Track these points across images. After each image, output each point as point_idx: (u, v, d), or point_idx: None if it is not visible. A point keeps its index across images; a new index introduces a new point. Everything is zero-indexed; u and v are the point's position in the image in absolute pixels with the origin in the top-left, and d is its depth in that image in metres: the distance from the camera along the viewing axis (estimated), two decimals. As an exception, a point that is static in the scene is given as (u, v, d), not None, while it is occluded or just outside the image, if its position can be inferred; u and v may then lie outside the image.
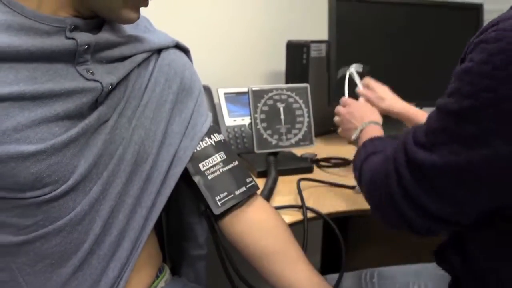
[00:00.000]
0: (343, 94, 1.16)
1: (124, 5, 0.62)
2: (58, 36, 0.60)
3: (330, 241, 1.76)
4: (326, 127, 1.57)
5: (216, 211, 0.73)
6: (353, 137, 1.00)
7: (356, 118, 1.04)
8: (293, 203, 1.00)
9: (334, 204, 1.01)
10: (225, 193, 0.74)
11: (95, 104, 0.64)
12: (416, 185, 0.61)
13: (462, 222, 0.62)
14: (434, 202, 0.61)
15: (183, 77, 0.75)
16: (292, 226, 0.91)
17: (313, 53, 1.47)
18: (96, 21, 0.66)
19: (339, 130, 1.10)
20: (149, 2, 0.66)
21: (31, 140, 0.58)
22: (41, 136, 0.58)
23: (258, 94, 1.13)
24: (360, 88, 1.16)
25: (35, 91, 0.58)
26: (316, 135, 1.23)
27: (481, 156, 0.54)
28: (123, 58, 0.67)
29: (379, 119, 1.03)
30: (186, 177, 0.74)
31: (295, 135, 1.16)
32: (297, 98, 1.16)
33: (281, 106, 1.15)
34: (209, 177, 0.74)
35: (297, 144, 1.16)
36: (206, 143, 0.76)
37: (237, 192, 0.75)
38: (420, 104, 1.35)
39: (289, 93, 1.16)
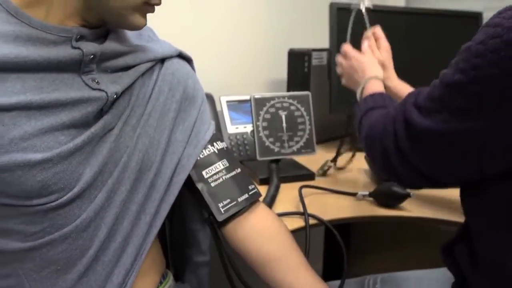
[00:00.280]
0: (345, 39, 1.16)
1: (132, 11, 0.64)
2: (64, 45, 0.61)
3: (332, 247, 1.76)
4: (328, 134, 1.58)
5: (219, 218, 0.74)
6: (358, 94, 1.02)
7: (358, 72, 1.05)
8: (295, 210, 1.01)
9: (336, 211, 1.01)
10: (228, 200, 0.75)
11: (100, 113, 0.65)
12: (409, 143, 0.67)
13: (449, 183, 0.69)
14: (424, 162, 0.67)
15: (186, 86, 0.76)
16: (294, 232, 0.91)
17: (314, 61, 1.49)
18: (101, 31, 0.67)
19: (343, 81, 1.12)
20: (155, 8, 0.67)
21: (38, 148, 0.59)
22: (47, 145, 0.59)
23: (260, 102, 1.14)
24: (369, 32, 1.15)
25: (42, 101, 0.59)
26: (318, 143, 1.24)
27: (467, 127, 0.59)
28: (127, 68, 0.69)
29: (380, 73, 1.05)
30: (189, 184, 0.75)
31: (297, 142, 1.17)
32: (298, 106, 1.17)
33: (283, 114, 1.16)
34: (212, 184, 0.75)
35: (299, 151, 1.17)
36: (209, 151, 0.77)
37: (240, 199, 0.76)
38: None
39: (290, 101, 1.17)
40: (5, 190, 0.59)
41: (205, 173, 0.76)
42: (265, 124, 1.14)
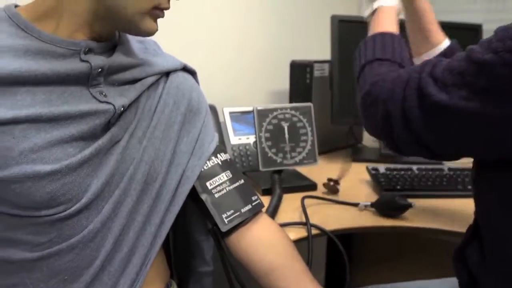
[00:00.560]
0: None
1: (143, 17, 0.65)
2: (73, 58, 0.63)
3: (334, 257, 1.76)
4: (330, 145, 1.59)
5: (223, 228, 0.75)
6: (366, 15, 0.97)
7: None
8: (297, 220, 1.01)
9: (338, 221, 1.02)
10: (232, 211, 0.76)
11: (108, 125, 0.66)
12: (419, 113, 0.65)
13: (448, 157, 0.68)
14: (431, 134, 0.65)
15: (190, 99, 0.78)
16: (297, 243, 0.92)
17: (316, 73, 1.50)
18: (109, 44, 0.69)
19: None
20: (164, 15, 0.68)
21: (47, 160, 0.60)
22: (56, 157, 0.61)
23: (263, 114, 1.16)
24: None
25: (51, 114, 0.60)
26: (320, 153, 1.25)
27: (488, 109, 0.57)
28: (134, 81, 0.70)
29: None
30: (193, 195, 0.77)
31: (299, 153, 1.18)
32: (301, 117, 1.19)
33: (285, 125, 1.17)
34: (216, 195, 0.77)
35: (301, 162, 1.18)
36: (213, 162, 0.78)
37: (243, 210, 0.77)
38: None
39: (293, 112, 1.18)
40: (15, 201, 0.60)
41: (209, 184, 0.77)
42: (267, 135, 1.15)
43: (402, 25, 0.96)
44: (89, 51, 0.65)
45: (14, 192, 0.59)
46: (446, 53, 0.93)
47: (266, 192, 1.14)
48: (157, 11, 0.66)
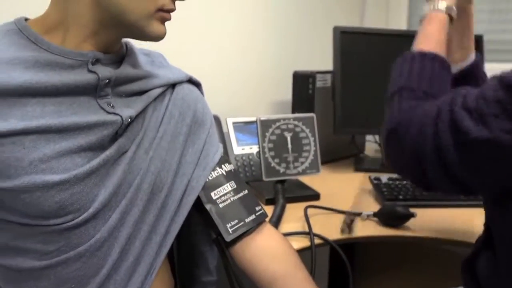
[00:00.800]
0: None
1: (149, 20, 0.65)
2: (81, 69, 0.64)
3: (337, 267, 1.76)
4: (332, 155, 1.60)
5: (228, 238, 0.76)
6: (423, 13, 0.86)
7: None
8: (300, 229, 1.02)
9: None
10: (236, 221, 0.77)
11: (115, 136, 0.68)
12: (455, 151, 0.60)
13: (483, 194, 0.62)
14: (468, 172, 0.60)
15: (195, 110, 0.79)
16: (300, 252, 0.92)
17: (318, 83, 1.52)
18: (117, 56, 0.70)
19: None
20: (171, 17, 0.68)
21: (56, 170, 0.61)
22: (65, 167, 0.62)
23: (266, 124, 1.17)
24: None
25: (60, 124, 0.62)
26: (322, 163, 1.25)
27: None
28: (141, 92, 0.72)
29: (452, 1, 0.84)
30: (198, 205, 0.78)
31: (302, 163, 1.19)
32: (303, 127, 1.20)
33: (288, 135, 1.18)
34: (221, 206, 0.78)
35: (304, 172, 1.19)
36: (217, 173, 0.80)
37: (247, 220, 0.78)
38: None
39: (296, 122, 1.19)
40: (24, 210, 0.61)
41: (213, 195, 0.78)
42: (270, 145, 1.16)
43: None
44: (96, 61, 0.66)
45: (24, 201, 0.60)
46: (474, 66, 0.90)
47: (269, 202, 1.15)
48: (163, 13, 0.66)
